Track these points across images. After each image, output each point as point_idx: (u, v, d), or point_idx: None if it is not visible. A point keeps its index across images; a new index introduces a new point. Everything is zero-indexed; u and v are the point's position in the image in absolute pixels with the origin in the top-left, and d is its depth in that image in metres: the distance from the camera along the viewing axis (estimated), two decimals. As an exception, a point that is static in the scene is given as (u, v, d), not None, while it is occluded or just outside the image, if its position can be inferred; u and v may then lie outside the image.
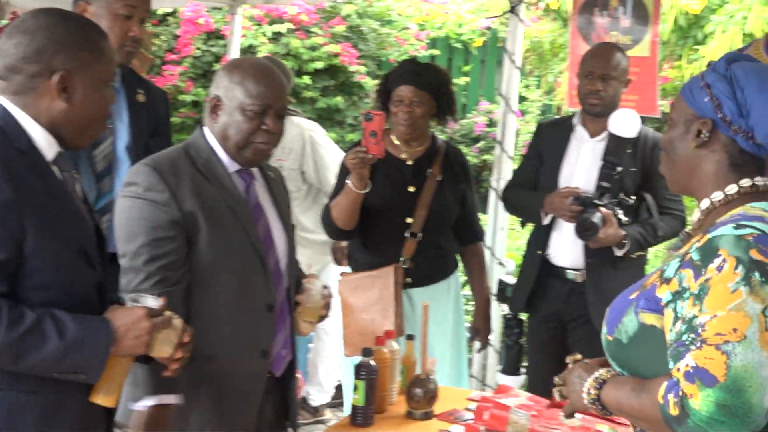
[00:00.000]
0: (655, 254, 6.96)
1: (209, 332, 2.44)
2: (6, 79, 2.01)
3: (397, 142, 3.73)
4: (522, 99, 9.30)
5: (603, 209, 3.59)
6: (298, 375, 4.90)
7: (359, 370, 2.88)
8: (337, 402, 5.26)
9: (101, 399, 2.03)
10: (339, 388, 5.25)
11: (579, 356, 2.05)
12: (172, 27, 9.07)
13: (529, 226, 6.12)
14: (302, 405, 5.07)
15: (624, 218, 3.63)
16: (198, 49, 8.92)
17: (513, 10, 4.73)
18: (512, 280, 4.14)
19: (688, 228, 1.98)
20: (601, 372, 1.91)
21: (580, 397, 1.92)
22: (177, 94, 8.73)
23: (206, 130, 2.59)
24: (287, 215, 2.76)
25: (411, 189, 3.69)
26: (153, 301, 2.11)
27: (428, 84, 3.63)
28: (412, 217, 3.66)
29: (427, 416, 2.97)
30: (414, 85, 3.60)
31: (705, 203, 1.87)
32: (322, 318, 2.76)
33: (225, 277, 2.52)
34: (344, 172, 3.62)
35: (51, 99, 2.01)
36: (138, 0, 3.07)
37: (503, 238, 4.78)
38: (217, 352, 2.50)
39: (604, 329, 1.90)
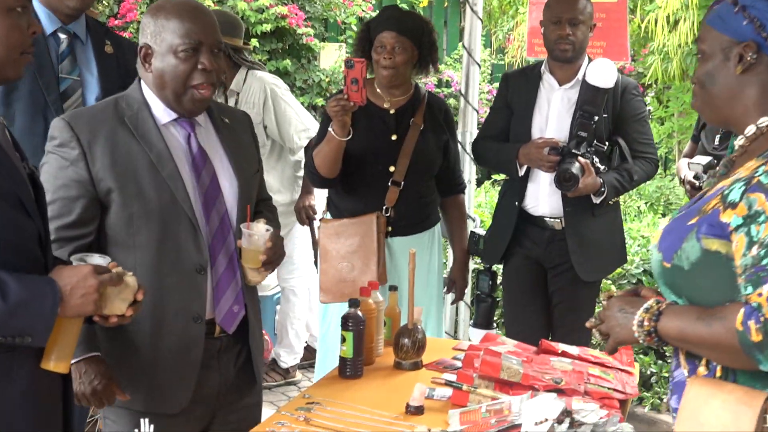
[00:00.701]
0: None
1: None
2: None
3: (379, 91, 3.68)
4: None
5: (581, 159, 3.58)
6: (266, 337, 4.85)
7: (346, 321, 2.81)
8: (307, 363, 5.21)
9: (53, 365, 1.96)
10: (308, 350, 5.20)
11: (613, 290, 2.01)
12: (114, -9, 8.85)
13: (485, 184, 6.07)
14: (272, 367, 5.01)
15: (600, 166, 3.63)
16: (143, 13, 8.67)
17: (472, -41, 4.68)
18: (484, 232, 4.10)
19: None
20: (651, 303, 1.86)
21: (629, 330, 1.87)
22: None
23: (142, 82, 2.51)
24: (245, 162, 2.63)
25: (393, 137, 3.65)
26: (99, 259, 2.04)
27: (410, 30, 3.59)
28: (394, 165, 3.63)
29: (416, 366, 2.93)
30: (396, 31, 3.56)
31: (751, 129, 1.84)
32: (270, 265, 2.56)
33: (143, 238, 2.42)
34: (326, 119, 3.57)
35: None
36: None
37: (471, 190, 4.75)
38: (139, 318, 2.28)
39: (659, 256, 1.86)
